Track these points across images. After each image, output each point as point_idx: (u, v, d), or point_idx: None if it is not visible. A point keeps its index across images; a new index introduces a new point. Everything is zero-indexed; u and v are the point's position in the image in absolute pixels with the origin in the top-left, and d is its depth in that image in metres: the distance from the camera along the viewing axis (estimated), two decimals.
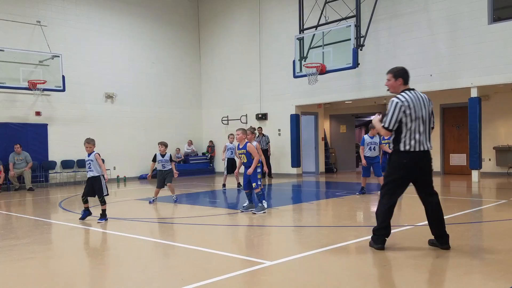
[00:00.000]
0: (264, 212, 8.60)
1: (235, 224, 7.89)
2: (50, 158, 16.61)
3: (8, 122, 15.64)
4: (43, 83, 15.18)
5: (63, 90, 15.89)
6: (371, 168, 10.99)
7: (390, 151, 10.93)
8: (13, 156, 15.11)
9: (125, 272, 5.00)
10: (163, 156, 10.47)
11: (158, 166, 10.54)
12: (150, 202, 10.58)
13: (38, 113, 16.35)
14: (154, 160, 10.55)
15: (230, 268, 4.96)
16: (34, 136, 16.22)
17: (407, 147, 5.25)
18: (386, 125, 5.27)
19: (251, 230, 7.41)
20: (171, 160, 10.67)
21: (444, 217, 5.53)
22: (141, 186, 16.12)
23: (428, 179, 5.46)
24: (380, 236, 5.46)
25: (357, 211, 9.09)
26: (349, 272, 4.71)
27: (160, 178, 10.55)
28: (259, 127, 17.65)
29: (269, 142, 17.44)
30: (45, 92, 15.91)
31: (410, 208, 9.21)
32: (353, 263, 5.12)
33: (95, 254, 6.16)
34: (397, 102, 5.23)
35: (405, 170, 5.33)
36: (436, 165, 16.97)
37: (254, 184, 8.60)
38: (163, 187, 10.61)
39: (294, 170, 17.94)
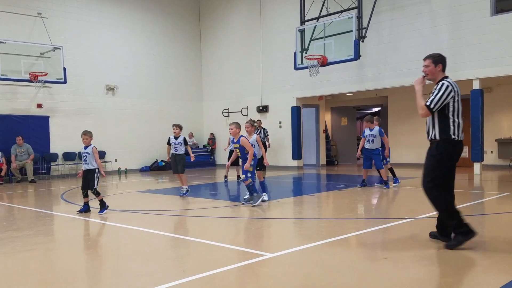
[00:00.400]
0: (263, 201, 8.58)
1: (236, 216, 7.90)
2: (52, 150, 16.63)
3: (9, 114, 15.64)
4: (44, 75, 15.17)
5: (64, 82, 15.87)
6: (372, 160, 10.98)
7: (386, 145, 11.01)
8: (15, 148, 15.13)
9: (126, 264, 5.02)
10: (176, 138, 10.17)
11: (172, 149, 10.28)
12: (181, 195, 10.25)
13: (39, 105, 16.34)
14: (169, 143, 10.32)
15: (231, 260, 4.97)
16: (35, 128, 16.22)
17: (456, 137, 5.06)
18: (432, 105, 5.04)
19: (251, 222, 7.42)
20: (185, 143, 10.24)
21: None
22: (142, 178, 16.14)
23: (455, 170, 5.32)
24: (464, 226, 5.10)
25: (358, 204, 9.10)
26: (350, 264, 4.72)
27: (173, 162, 10.30)
28: (258, 120, 17.59)
29: (268, 135, 17.35)
30: (47, 84, 15.89)
31: (411, 200, 9.23)
32: (354, 256, 5.12)
33: (96, 245, 6.18)
34: (447, 86, 5.04)
35: (453, 160, 5.15)
36: None
37: (243, 176, 8.60)
38: (178, 172, 10.28)
39: (295, 163, 17.94)
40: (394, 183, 11.25)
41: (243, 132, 9.03)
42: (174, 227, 7.29)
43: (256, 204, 8.54)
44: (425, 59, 5.34)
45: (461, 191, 10.25)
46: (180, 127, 10.28)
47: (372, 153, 10.89)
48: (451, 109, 5.06)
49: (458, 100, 5.08)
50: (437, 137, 5.14)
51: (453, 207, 5.13)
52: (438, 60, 5.27)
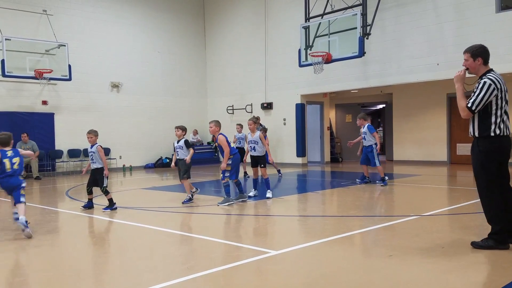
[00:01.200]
0: (230, 204, 8.47)
1: (241, 213, 7.91)
2: (57, 147, 16.68)
3: (15, 111, 15.69)
4: (50, 72, 15.19)
5: (69, 79, 15.89)
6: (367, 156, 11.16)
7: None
8: (20, 145, 15.15)
9: (131, 261, 5.04)
10: (178, 142, 9.18)
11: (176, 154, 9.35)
12: (183, 203, 8.99)
13: (44, 102, 16.39)
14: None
15: (235, 257, 4.99)
16: (40, 125, 16.27)
17: (498, 132, 4.81)
18: (474, 107, 4.79)
19: (256, 220, 7.43)
20: (187, 146, 9.05)
21: (450, 208, 5.52)
22: (147, 175, 16.17)
23: (507, 168, 4.99)
24: (503, 235, 4.89)
25: (362, 201, 9.08)
26: (354, 262, 4.72)
27: (178, 168, 9.23)
28: (257, 116, 17.49)
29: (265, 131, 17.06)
30: (52, 81, 15.93)
31: (415, 198, 9.21)
32: (359, 253, 5.13)
33: (101, 242, 6.20)
34: (490, 84, 4.75)
35: (497, 155, 4.87)
36: (443, 155, 16.91)
37: (221, 176, 8.58)
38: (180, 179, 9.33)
39: (299, 160, 17.93)
40: (360, 179, 11.51)
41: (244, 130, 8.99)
42: (179, 224, 7.31)
43: (221, 204, 8.43)
44: (464, 53, 5.06)
45: (466, 189, 10.22)
46: (182, 129, 9.20)
47: (366, 150, 11.10)
48: (494, 107, 4.82)
49: (501, 96, 4.82)
50: (476, 134, 4.94)
51: (502, 211, 4.89)
52: (477, 53, 4.95)
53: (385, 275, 4.25)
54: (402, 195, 9.65)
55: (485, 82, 4.80)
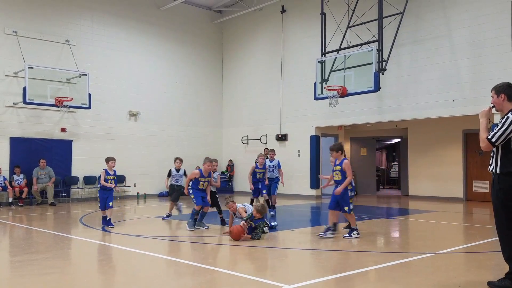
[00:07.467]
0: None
1: (252, 245, 7.86)
2: (73, 173, 16.85)
3: (33, 138, 15.97)
4: (70, 100, 15.46)
5: (89, 107, 16.13)
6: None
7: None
8: (37, 171, 15.38)
9: None
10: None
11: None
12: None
13: (63, 129, 16.66)
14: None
15: None
16: (58, 151, 16.49)
17: None
18: (494, 139, 4.86)
19: (268, 252, 7.38)
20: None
21: (466, 245, 5.44)
22: (160, 203, 16.20)
23: None
24: None
25: (377, 236, 8.98)
26: None
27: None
28: (265, 149, 17.61)
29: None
30: (71, 109, 16.20)
31: (431, 234, 9.07)
32: None
33: (113, 271, 6.20)
34: None
35: None
36: (459, 191, 16.69)
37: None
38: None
39: (313, 192, 17.84)
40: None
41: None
42: (190, 254, 7.29)
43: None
44: (491, 90, 5.15)
45: (482, 227, 10.04)
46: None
47: (272, 181, 12.25)
48: None
49: None
50: (498, 170, 4.92)
51: None
52: (500, 90, 5.03)
53: None
54: (417, 232, 9.52)
55: (508, 117, 4.85)
